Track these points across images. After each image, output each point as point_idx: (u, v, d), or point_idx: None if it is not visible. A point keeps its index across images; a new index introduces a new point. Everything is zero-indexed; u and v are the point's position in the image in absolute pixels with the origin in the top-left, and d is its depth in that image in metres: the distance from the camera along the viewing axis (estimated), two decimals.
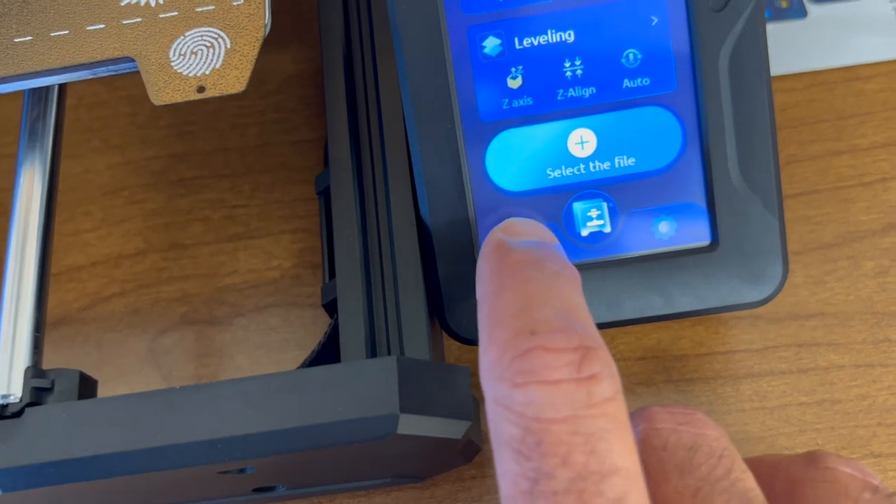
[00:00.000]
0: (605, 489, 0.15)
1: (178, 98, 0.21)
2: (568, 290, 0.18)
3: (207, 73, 0.21)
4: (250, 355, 0.27)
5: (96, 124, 0.32)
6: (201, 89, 0.21)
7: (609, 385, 0.16)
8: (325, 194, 0.25)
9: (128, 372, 0.28)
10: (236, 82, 0.21)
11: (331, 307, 0.23)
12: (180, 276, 0.29)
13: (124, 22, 0.22)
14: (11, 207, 0.23)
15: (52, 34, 0.22)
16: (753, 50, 0.21)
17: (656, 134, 0.22)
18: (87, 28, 0.22)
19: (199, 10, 0.22)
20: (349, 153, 0.23)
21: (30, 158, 0.24)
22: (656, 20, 0.21)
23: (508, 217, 0.21)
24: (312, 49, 0.32)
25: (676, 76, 0.22)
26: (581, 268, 0.22)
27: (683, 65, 0.21)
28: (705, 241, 0.22)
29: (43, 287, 0.22)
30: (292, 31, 0.32)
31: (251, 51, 0.21)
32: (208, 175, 0.30)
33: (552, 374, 0.16)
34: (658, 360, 0.26)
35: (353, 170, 0.23)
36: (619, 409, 0.16)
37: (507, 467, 0.16)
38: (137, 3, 0.22)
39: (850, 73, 0.29)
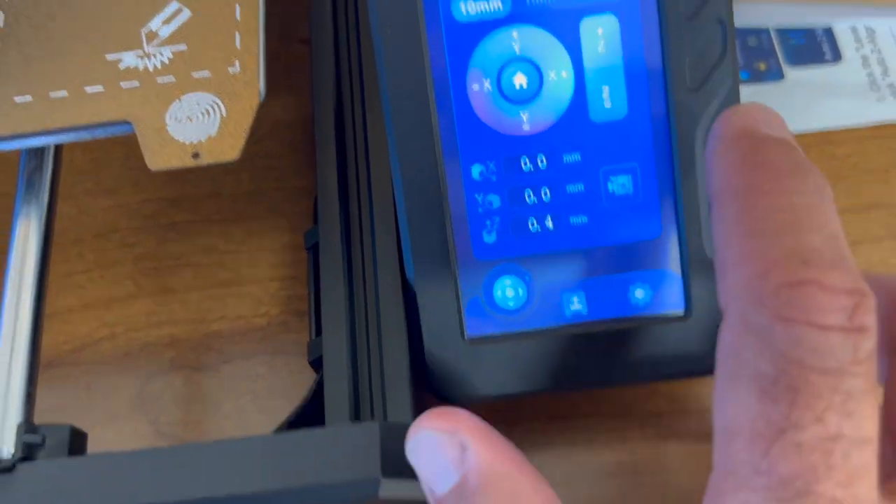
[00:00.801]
0: (854, 457, 0.14)
1: (174, 164, 0.21)
2: (833, 214, 0.16)
3: (203, 140, 0.21)
4: (236, 402, 0.28)
5: (90, 166, 0.32)
6: (196, 156, 0.21)
7: (873, 341, 0.15)
8: (313, 251, 0.25)
9: (116, 416, 0.28)
10: (231, 150, 0.21)
11: (316, 363, 0.24)
12: (169, 321, 0.30)
13: (122, 85, 0.22)
14: (7, 260, 0.24)
15: (52, 95, 0.23)
16: None
17: (635, 208, 0.23)
18: (87, 90, 0.22)
19: (195, 75, 0.22)
20: (338, 214, 0.24)
21: (26, 211, 0.24)
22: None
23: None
24: (303, 96, 0.33)
25: (654, 153, 0.22)
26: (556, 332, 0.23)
27: (661, 142, 0.22)
28: (679, 309, 0.23)
29: (36, 341, 0.22)
30: (283, 77, 0.33)
31: (246, 120, 0.22)
32: (199, 220, 0.31)
33: (825, 317, 0.14)
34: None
35: (341, 230, 0.24)
36: (874, 370, 0.15)
37: (743, 402, 0.15)
38: (136, 68, 0.23)
39: (824, 138, 0.30)
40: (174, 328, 0.29)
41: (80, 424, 0.25)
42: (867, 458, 0.14)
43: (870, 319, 0.15)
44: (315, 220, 0.27)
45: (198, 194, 0.31)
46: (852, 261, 0.15)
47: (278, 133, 0.32)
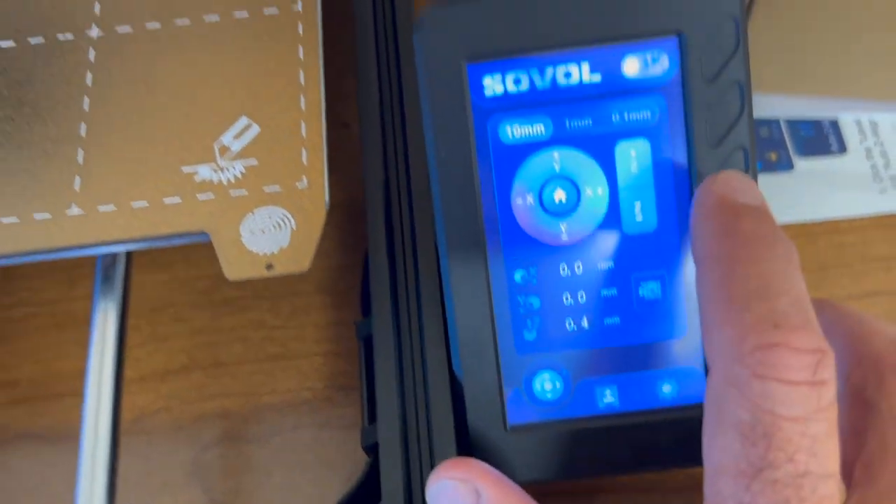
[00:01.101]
0: (820, 489, 0.17)
1: (250, 274, 0.23)
2: (797, 276, 0.19)
3: (276, 251, 0.24)
4: (287, 473, 0.30)
5: None
6: (270, 267, 0.23)
7: (834, 391, 0.18)
8: (366, 342, 0.28)
9: (172, 485, 0.30)
10: (302, 261, 0.24)
11: (370, 448, 0.26)
12: (221, 394, 0.32)
13: (199, 197, 0.25)
14: (88, 349, 0.26)
15: (134, 205, 0.25)
16: None
17: (663, 311, 0.25)
18: (165, 201, 0.25)
19: (266, 190, 0.25)
20: (390, 310, 0.26)
21: (102, 306, 0.26)
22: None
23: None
24: (347, 177, 0.35)
25: (680, 262, 0.25)
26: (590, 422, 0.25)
27: (686, 252, 0.25)
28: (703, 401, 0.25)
29: (117, 435, 0.24)
30: (332, 162, 0.35)
31: (315, 232, 0.24)
32: (249, 296, 0.33)
33: (793, 374, 0.17)
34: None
35: (392, 325, 0.26)
36: (835, 416, 0.18)
37: (729, 445, 0.18)
38: (210, 181, 0.25)
39: (831, 227, 0.33)
40: (226, 400, 0.32)
41: (138, 492, 0.27)
42: (831, 489, 0.17)
43: (830, 373, 0.18)
44: (363, 311, 0.30)
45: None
46: (814, 320, 0.18)
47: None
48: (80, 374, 0.32)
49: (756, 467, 0.17)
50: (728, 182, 0.21)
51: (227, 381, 0.32)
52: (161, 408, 0.32)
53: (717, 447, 0.18)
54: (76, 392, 0.32)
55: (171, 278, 0.34)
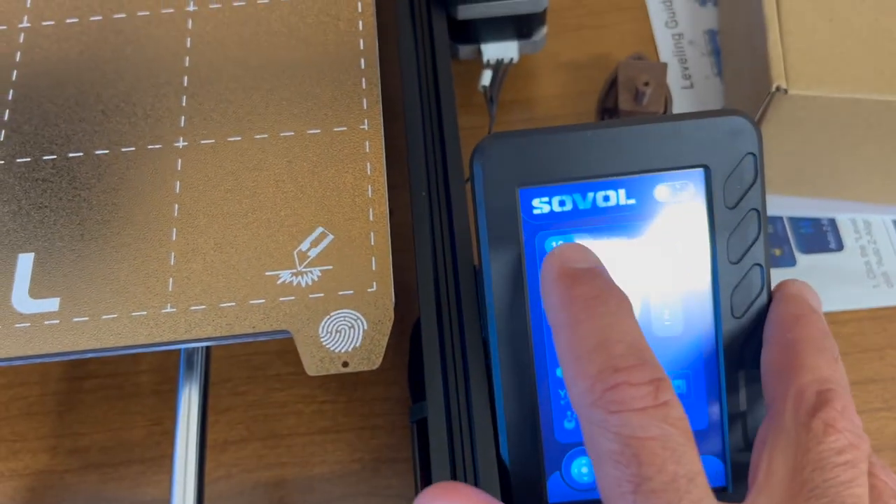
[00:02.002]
0: (692, 488, 0.20)
1: (329, 370, 0.27)
2: (630, 322, 0.23)
3: (349, 350, 0.27)
4: None
5: None
6: (345, 364, 0.27)
7: (679, 408, 0.21)
8: (418, 425, 0.31)
9: None
10: (374, 359, 0.27)
11: None
12: (277, 463, 0.35)
13: (280, 299, 0.28)
14: (174, 435, 0.29)
15: (221, 305, 0.28)
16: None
17: (688, 405, 0.28)
18: (250, 302, 0.28)
19: (341, 293, 0.28)
20: (442, 396, 0.29)
21: (187, 386, 0.29)
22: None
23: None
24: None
25: (704, 362, 0.28)
26: None
27: (710, 354, 0.28)
28: (722, 485, 0.29)
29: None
30: None
31: (384, 332, 0.27)
32: (301, 372, 0.36)
33: (638, 402, 0.21)
34: None
35: (444, 411, 0.29)
36: (688, 425, 0.21)
37: (608, 472, 0.21)
38: (290, 283, 0.28)
39: (831, 318, 0.36)
40: (282, 470, 0.35)
41: None
42: (702, 485, 0.21)
43: (669, 394, 0.21)
44: (412, 395, 0.33)
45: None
46: (649, 356, 0.22)
47: None
48: (145, 443, 0.35)
49: (635, 483, 0.20)
50: (564, 252, 0.25)
51: (282, 451, 0.35)
52: (222, 476, 0.34)
53: (602, 478, 0.22)
54: (142, 459, 0.35)
55: (229, 355, 0.37)
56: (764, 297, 0.28)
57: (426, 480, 0.29)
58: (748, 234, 0.27)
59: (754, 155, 0.27)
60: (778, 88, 0.33)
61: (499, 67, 0.40)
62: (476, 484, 0.28)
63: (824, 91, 0.33)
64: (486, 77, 0.39)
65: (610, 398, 0.21)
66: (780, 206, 0.38)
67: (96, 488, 0.34)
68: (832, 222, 0.38)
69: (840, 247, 0.37)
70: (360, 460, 0.35)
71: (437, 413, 0.29)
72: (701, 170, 0.27)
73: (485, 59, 0.40)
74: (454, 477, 0.29)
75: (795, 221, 0.38)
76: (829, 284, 0.37)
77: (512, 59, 0.40)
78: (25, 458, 0.35)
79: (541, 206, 0.28)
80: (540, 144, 0.27)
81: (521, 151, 0.27)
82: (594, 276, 0.24)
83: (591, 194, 0.27)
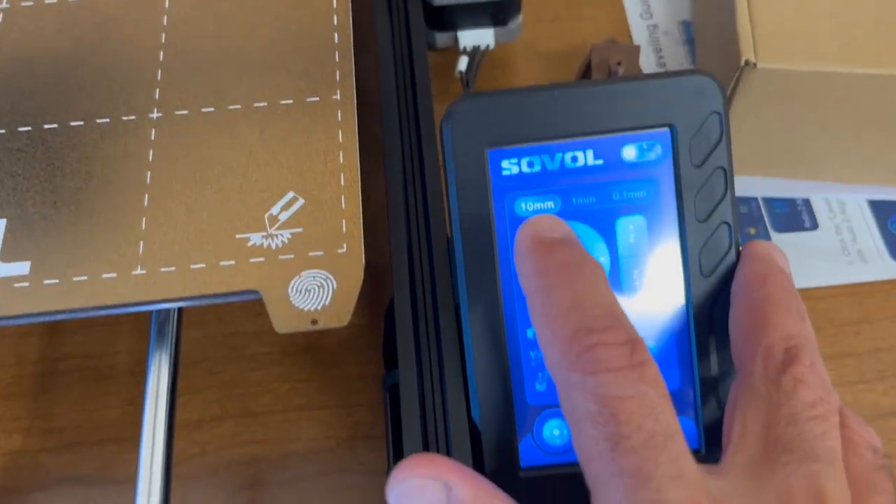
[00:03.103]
0: (670, 446, 0.20)
1: (297, 328, 0.27)
2: (603, 287, 0.23)
3: (319, 308, 0.27)
4: None
5: None
6: (314, 321, 0.27)
7: (654, 368, 0.21)
8: (391, 392, 0.31)
9: None
10: (342, 317, 0.27)
11: None
12: (251, 441, 0.34)
13: (251, 261, 0.28)
14: (143, 397, 0.28)
15: (192, 267, 0.28)
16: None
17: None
18: (221, 264, 0.28)
19: (311, 255, 0.28)
20: (414, 363, 0.29)
21: (157, 357, 0.29)
22: None
23: None
24: (371, 248, 0.38)
25: (674, 322, 0.28)
26: None
27: (680, 313, 0.28)
28: (695, 447, 0.29)
29: (169, 478, 0.27)
30: None
31: (353, 292, 0.27)
32: (276, 352, 0.36)
33: (614, 363, 0.21)
34: None
35: (417, 377, 0.29)
36: (664, 385, 0.21)
37: (586, 433, 0.21)
38: (261, 246, 0.28)
39: (806, 294, 0.36)
40: (255, 447, 0.34)
41: None
42: (680, 443, 0.21)
43: (645, 354, 0.21)
44: (386, 365, 0.33)
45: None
46: (624, 319, 0.22)
47: None
48: (120, 422, 0.35)
49: (613, 442, 0.20)
50: (538, 223, 0.25)
51: (257, 429, 0.35)
52: (196, 454, 0.34)
53: (580, 440, 0.22)
54: (117, 439, 0.34)
55: (205, 335, 0.37)
56: (732, 256, 0.28)
57: (398, 447, 0.29)
58: (715, 192, 0.28)
59: (719, 114, 0.27)
60: (747, 63, 0.33)
61: (475, 54, 0.40)
62: (448, 448, 0.28)
63: (793, 64, 0.33)
64: (463, 63, 0.40)
65: (586, 359, 0.21)
66: (754, 187, 0.39)
67: (70, 468, 0.34)
68: (807, 202, 0.38)
69: (815, 225, 0.38)
70: (335, 437, 0.34)
71: (408, 378, 0.29)
72: (667, 129, 0.27)
73: (461, 45, 0.40)
74: (426, 441, 0.28)
75: (770, 201, 0.38)
76: (804, 261, 0.37)
77: (488, 46, 0.40)
78: None
79: (510, 167, 0.28)
80: (509, 105, 0.27)
81: (491, 112, 0.27)
82: (568, 245, 0.24)
83: (559, 155, 0.28)
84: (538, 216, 0.25)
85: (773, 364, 0.24)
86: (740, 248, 0.28)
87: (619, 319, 0.22)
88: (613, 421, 0.21)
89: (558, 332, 0.22)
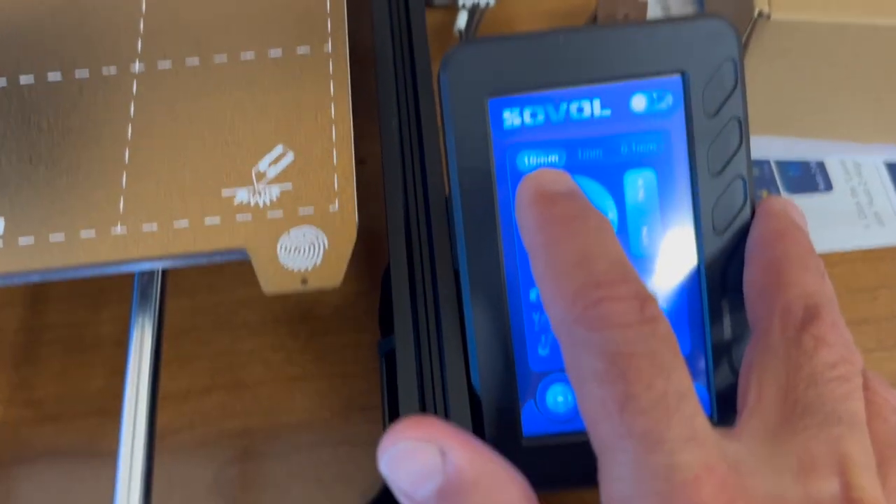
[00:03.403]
0: (682, 406, 0.19)
1: (286, 289, 0.25)
2: (611, 240, 0.21)
3: (310, 268, 0.25)
4: (305, 488, 0.31)
5: (170, 272, 0.36)
6: (304, 281, 0.25)
7: (666, 324, 0.20)
8: (387, 359, 0.29)
9: (194, 500, 0.31)
10: (334, 277, 0.25)
11: None
12: (243, 413, 0.33)
13: (237, 218, 0.26)
14: (126, 363, 0.27)
15: (175, 224, 0.26)
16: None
17: None
18: (205, 221, 0.26)
19: (301, 212, 0.26)
20: (411, 327, 0.28)
21: (140, 321, 0.28)
22: None
23: None
24: (367, 213, 0.37)
25: (685, 282, 0.27)
26: None
27: (691, 273, 0.27)
28: (707, 413, 0.27)
29: (152, 450, 0.26)
30: None
31: (346, 251, 0.26)
32: (269, 320, 0.35)
33: (623, 318, 0.19)
34: None
35: (414, 342, 0.28)
36: (676, 343, 0.20)
37: (592, 393, 0.19)
38: (248, 203, 0.27)
39: (822, 259, 0.35)
40: (247, 419, 0.33)
41: None
42: (694, 403, 0.19)
43: (656, 310, 0.20)
44: (382, 332, 0.31)
45: (266, 296, 0.35)
46: (633, 273, 0.20)
47: None
48: (104, 394, 0.33)
49: (621, 402, 0.19)
50: (540, 176, 0.23)
51: (248, 400, 0.33)
52: (184, 426, 0.33)
53: (585, 401, 0.20)
54: (101, 411, 0.33)
55: (194, 304, 0.35)
56: (747, 212, 0.26)
57: (394, 416, 0.28)
58: (730, 144, 0.26)
59: (734, 60, 0.26)
60: (760, 14, 0.32)
61: (475, 11, 0.39)
62: (446, 415, 0.27)
63: (809, 16, 0.32)
64: (462, 19, 0.38)
65: (593, 314, 0.20)
66: (767, 148, 0.37)
67: (52, 441, 0.33)
68: (820, 164, 0.37)
69: (829, 188, 0.36)
70: (329, 408, 0.33)
71: (404, 343, 0.28)
72: (678, 76, 0.26)
73: (460, 1, 0.39)
74: (423, 409, 0.27)
75: (783, 164, 0.37)
76: (818, 225, 0.35)
77: (488, 3, 0.39)
78: None
79: (511, 118, 0.26)
80: (510, 51, 0.26)
81: (491, 59, 0.26)
82: (572, 198, 0.23)
83: (564, 105, 0.26)
84: (540, 170, 0.24)
85: (791, 323, 0.22)
86: (755, 205, 0.26)
87: (627, 273, 0.21)
88: (622, 380, 0.19)
89: (563, 288, 0.21)
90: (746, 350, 0.24)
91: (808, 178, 0.36)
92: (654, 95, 0.26)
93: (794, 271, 0.24)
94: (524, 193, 0.23)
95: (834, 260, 0.35)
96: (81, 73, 0.29)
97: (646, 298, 0.20)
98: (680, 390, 0.19)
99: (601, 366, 0.19)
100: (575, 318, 0.20)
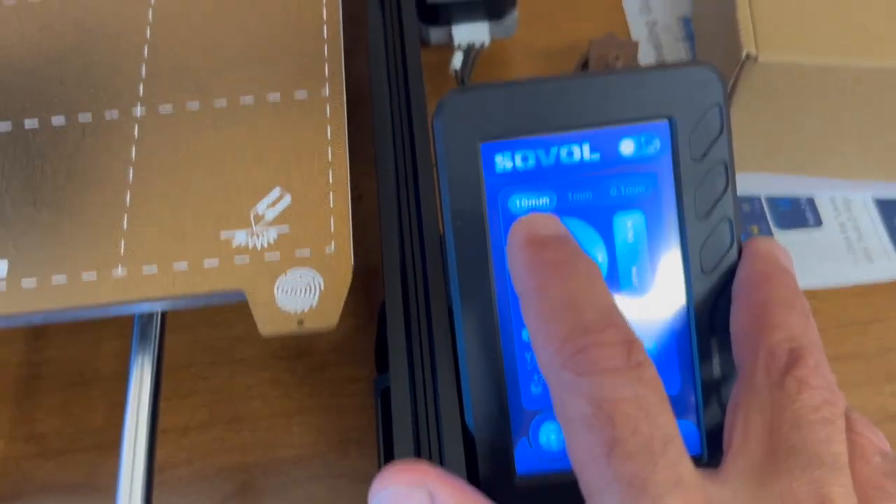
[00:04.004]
0: (668, 451, 0.19)
1: (282, 330, 0.26)
2: (599, 286, 0.22)
3: (306, 310, 0.26)
4: None
5: None
6: (301, 323, 0.26)
7: (652, 369, 0.20)
8: (382, 396, 0.30)
9: None
10: (330, 318, 0.26)
11: None
12: (241, 447, 0.33)
13: (236, 260, 0.27)
14: (125, 399, 0.28)
15: (175, 267, 0.27)
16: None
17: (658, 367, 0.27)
18: (204, 263, 0.27)
19: (297, 254, 0.27)
20: (406, 365, 0.28)
21: (139, 361, 0.28)
22: None
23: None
24: (364, 249, 0.37)
25: (674, 322, 0.27)
26: None
27: (680, 313, 0.27)
28: (697, 453, 0.27)
29: (150, 485, 0.26)
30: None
31: (342, 292, 0.26)
32: (267, 356, 0.35)
33: (609, 363, 0.20)
34: None
35: (408, 380, 0.28)
36: (662, 388, 0.20)
37: (580, 437, 0.20)
38: (246, 245, 0.27)
39: (810, 294, 0.35)
40: (245, 454, 0.33)
41: None
42: (679, 447, 0.20)
43: (642, 355, 0.20)
44: (378, 368, 0.32)
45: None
46: (621, 319, 0.21)
47: None
48: (104, 429, 0.34)
49: (609, 447, 0.19)
50: (531, 220, 0.24)
51: (247, 435, 0.34)
52: (183, 461, 0.33)
53: (573, 444, 0.20)
54: (101, 446, 0.34)
55: (192, 339, 0.36)
56: (734, 253, 0.27)
57: (389, 453, 0.28)
58: (716, 188, 0.27)
59: (720, 106, 0.26)
60: (748, 56, 0.32)
61: (470, 51, 0.39)
62: (440, 453, 0.27)
63: (795, 57, 0.32)
64: (458, 60, 0.39)
65: (580, 359, 0.20)
66: (758, 184, 0.38)
67: (53, 475, 0.33)
68: (810, 200, 0.37)
69: (819, 223, 0.37)
70: (326, 442, 0.33)
71: (399, 380, 0.28)
72: (666, 122, 0.27)
73: (455, 42, 0.39)
74: (417, 446, 0.27)
75: (773, 200, 0.37)
76: (808, 260, 0.36)
77: (483, 43, 0.40)
78: None
79: (503, 162, 0.27)
80: (502, 97, 0.26)
81: (483, 105, 0.27)
82: (563, 243, 0.23)
83: (554, 149, 0.27)
84: (531, 214, 0.24)
85: (776, 365, 0.23)
86: (741, 245, 0.27)
87: (615, 319, 0.21)
88: (609, 424, 0.20)
89: (552, 332, 0.21)
90: (733, 390, 0.24)
91: (798, 213, 0.37)
92: (643, 140, 0.27)
93: (779, 313, 0.24)
94: (515, 237, 0.24)
95: (824, 294, 0.35)
96: (84, 118, 0.30)
97: (632, 343, 0.21)
98: (666, 435, 0.20)
99: (588, 410, 0.20)
100: (563, 363, 0.21)
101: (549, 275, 0.22)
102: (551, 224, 0.24)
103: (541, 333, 0.22)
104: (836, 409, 0.22)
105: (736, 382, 0.24)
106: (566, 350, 0.21)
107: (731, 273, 0.27)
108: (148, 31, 0.32)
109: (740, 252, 0.27)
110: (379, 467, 0.29)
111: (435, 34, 0.40)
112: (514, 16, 0.40)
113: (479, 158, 0.27)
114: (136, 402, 0.27)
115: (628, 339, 0.21)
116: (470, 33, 0.39)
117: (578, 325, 0.21)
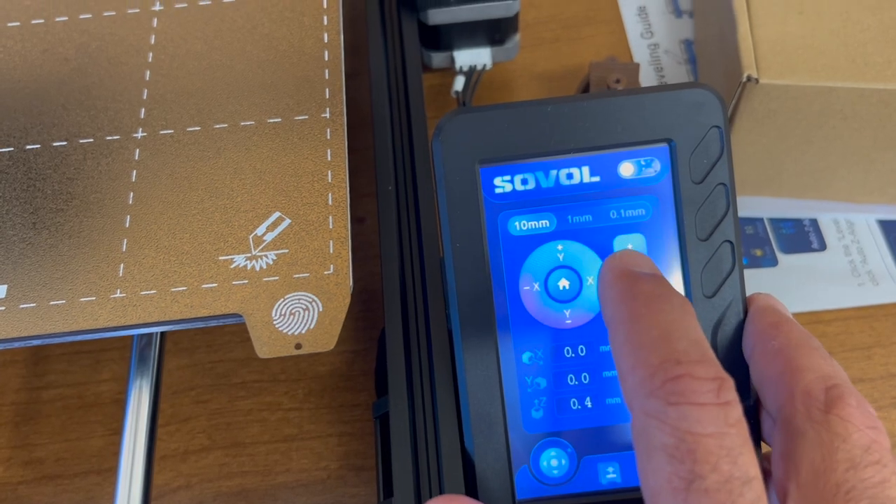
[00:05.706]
0: (746, 492, 0.19)
1: (280, 353, 0.25)
2: (693, 322, 0.22)
3: (304, 332, 0.26)
4: None
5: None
6: (298, 346, 0.25)
7: (739, 409, 0.20)
8: (381, 421, 0.29)
9: None
10: (328, 341, 0.26)
11: None
12: (239, 472, 0.33)
13: (234, 283, 0.27)
14: (122, 424, 0.27)
15: (173, 290, 0.27)
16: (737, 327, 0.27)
17: None
18: (203, 286, 0.27)
19: (296, 276, 0.27)
20: (405, 390, 0.28)
21: (137, 383, 0.28)
22: None
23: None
24: (365, 272, 0.37)
25: None
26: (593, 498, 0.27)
27: None
28: None
29: (148, 501, 0.26)
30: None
31: (340, 314, 0.26)
32: (266, 380, 0.35)
33: (699, 397, 0.20)
34: None
35: (408, 405, 0.28)
36: (746, 430, 0.20)
37: (659, 467, 0.20)
38: (244, 268, 0.27)
39: (814, 317, 0.35)
40: (244, 479, 0.33)
41: None
42: (757, 490, 0.19)
43: (732, 395, 0.20)
44: (378, 392, 0.32)
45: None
46: (712, 356, 0.21)
47: None
48: (103, 453, 0.33)
49: (687, 480, 0.19)
50: (626, 256, 0.24)
51: (245, 460, 0.33)
52: (182, 485, 0.33)
53: (650, 473, 0.20)
54: (100, 470, 0.33)
55: (192, 362, 0.36)
56: (736, 275, 0.27)
57: (387, 478, 0.28)
58: (717, 210, 0.27)
59: (720, 128, 0.26)
60: (749, 78, 0.32)
61: (471, 74, 0.40)
62: (440, 479, 0.27)
63: (796, 80, 0.32)
64: (459, 83, 0.39)
65: (671, 389, 0.20)
66: (761, 207, 0.37)
67: (50, 500, 0.33)
68: (814, 223, 0.37)
69: (823, 246, 0.36)
70: (325, 468, 0.33)
71: (398, 405, 0.28)
72: (666, 144, 0.26)
73: (457, 65, 0.39)
74: (417, 472, 0.27)
75: (776, 222, 0.37)
76: (812, 284, 0.36)
77: (485, 66, 0.40)
78: None
79: (502, 184, 0.27)
80: (501, 120, 0.26)
81: (482, 128, 0.27)
82: (657, 279, 0.23)
83: (553, 172, 0.27)
84: (626, 250, 0.25)
85: (815, 405, 0.22)
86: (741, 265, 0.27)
87: (707, 354, 0.21)
88: (690, 458, 0.19)
89: (643, 359, 0.21)
90: (773, 439, 0.24)
91: (802, 236, 0.37)
92: (643, 162, 0.27)
93: (802, 355, 0.24)
94: (609, 271, 0.24)
95: (828, 318, 0.35)
96: (86, 140, 0.30)
97: (724, 381, 0.20)
98: (745, 476, 0.20)
99: (671, 440, 0.20)
100: (652, 390, 0.20)
101: (643, 306, 0.22)
102: (645, 262, 0.24)
103: (630, 360, 0.21)
104: (885, 450, 0.22)
105: (774, 431, 0.24)
106: (657, 377, 0.20)
107: (732, 296, 0.26)
108: (150, 55, 0.32)
109: (742, 275, 0.27)
110: (378, 493, 0.29)
111: (437, 58, 0.40)
112: (516, 39, 0.40)
113: (478, 180, 0.27)
114: (134, 426, 0.27)
115: (720, 377, 0.21)
116: (472, 57, 0.39)
117: (672, 355, 0.21)
